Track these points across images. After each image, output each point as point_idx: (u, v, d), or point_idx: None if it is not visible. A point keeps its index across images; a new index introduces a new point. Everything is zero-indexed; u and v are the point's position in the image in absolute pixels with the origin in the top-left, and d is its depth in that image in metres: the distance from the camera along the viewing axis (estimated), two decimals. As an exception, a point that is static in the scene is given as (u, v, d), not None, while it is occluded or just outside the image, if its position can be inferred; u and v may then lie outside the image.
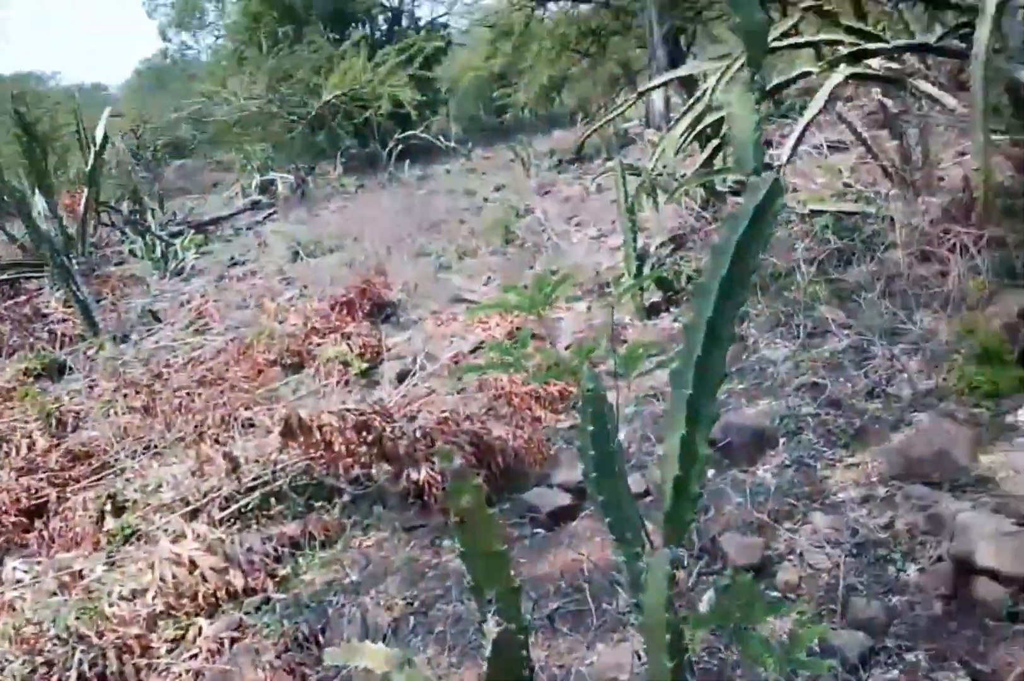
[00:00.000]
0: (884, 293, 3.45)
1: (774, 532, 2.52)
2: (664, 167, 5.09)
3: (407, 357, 5.11)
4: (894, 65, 3.89)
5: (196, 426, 4.41)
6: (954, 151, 5.03)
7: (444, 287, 6.44)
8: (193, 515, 3.49)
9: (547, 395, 4.16)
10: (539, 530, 3.05)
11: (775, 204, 1.30)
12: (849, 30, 3.82)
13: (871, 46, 3.64)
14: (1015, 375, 2.95)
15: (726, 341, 1.44)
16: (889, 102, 4.23)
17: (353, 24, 17.45)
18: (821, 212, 4.18)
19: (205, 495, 3.59)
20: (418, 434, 3.53)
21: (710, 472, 2.97)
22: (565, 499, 3.12)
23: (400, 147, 13.59)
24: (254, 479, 3.69)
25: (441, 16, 19.13)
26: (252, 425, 4.42)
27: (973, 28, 2.93)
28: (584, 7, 12.45)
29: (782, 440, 3.04)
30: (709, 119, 4.31)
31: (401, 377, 4.82)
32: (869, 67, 3.92)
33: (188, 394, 4.80)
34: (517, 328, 4.65)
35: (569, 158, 11.38)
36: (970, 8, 3.21)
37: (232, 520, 3.48)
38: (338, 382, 4.93)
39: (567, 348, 4.27)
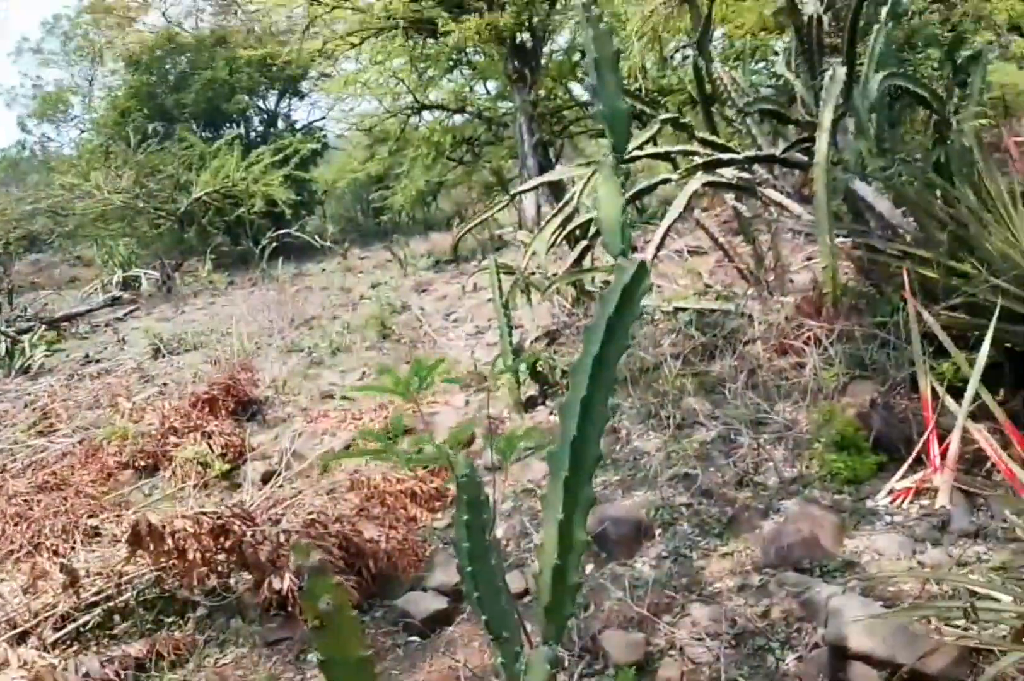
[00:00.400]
0: (747, 385, 3.60)
1: (654, 627, 2.46)
2: (537, 267, 5.24)
3: (273, 456, 4.87)
4: (745, 175, 4.22)
5: (32, 537, 3.97)
6: (802, 256, 5.45)
7: (315, 383, 6.26)
8: (21, 638, 3.08)
9: (423, 493, 4.01)
10: (413, 637, 2.86)
11: (642, 284, 1.32)
12: (703, 142, 4.14)
13: (724, 156, 3.94)
14: (871, 461, 3.09)
15: (600, 420, 1.42)
16: (743, 207, 4.56)
17: (227, 124, 17.54)
18: (684, 309, 4.37)
19: (36, 615, 3.19)
20: (282, 538, 3.30)
21: (589, 567, 2.91)
22: (441, 603, 2.97)
23: (274, 245, 13.48)
24: (96, 594, 3.32)
25: (318, 120, 19.51)
26: (97, 534, 4.03)
27: (813, 141, 3.23)
28: (458, 117, 13.08)
29: (658, 531, 3.03)
30: (577, 221, 4.50)
31: (266, 478, 4.56)
32: (722, 176, 4.24)
33: (25, 502, 4.35)
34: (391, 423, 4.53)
35: (446, 259, 11.59)
36: (809, 124, 3.55)
37: (68, 642, 3.10)
38: (196, 485, 4.60)
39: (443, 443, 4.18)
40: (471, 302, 7.94)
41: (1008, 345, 3.11)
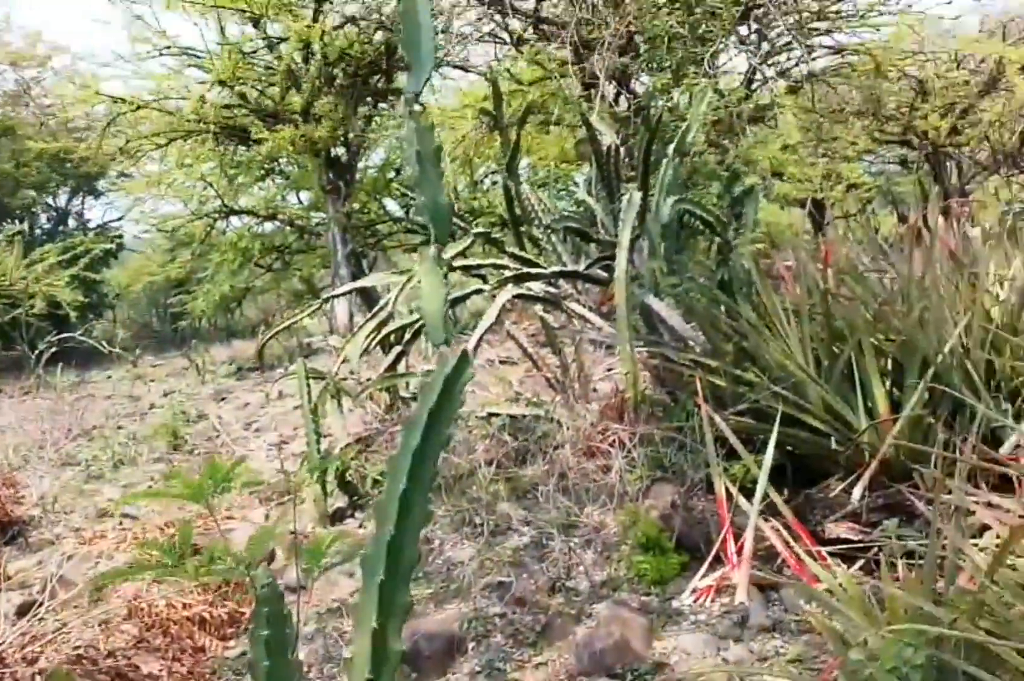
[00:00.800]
0: (558, 488, 3.64)
1: (470, 750, 2.30)
2: (349, 372, 5.15)
3: (35, 585, 4.25)
4: (551, 289, 4.46)
5: None
6: (603, 367, 5.74)
7: (92, 500, 5.63)
8: None
9: (213, 619, 3.62)
10: None
11: (464, 374, 1.31)
12: (513, 256, 4.35)
13: (532, 271, 4.15)
14: (675, 562, 3.18)
15: (419, 518, 1.36)
16: (551, 318, 4.78)
17: (9, 219, 16.29)
18: (497, 415, 4.43)
19: None
20: (39, 679, 2.83)
21: (399, 689, 2.71)
22: (229, 743, 2.63)
23: (54, 350, 12.36)
24: None
25: (115, 220, 18.53)
26: None
27: (613, 259, 3.49)
28: (269, 225, 12.95)
29: (472, 644, 2.90)
30: (392, 326, 4.51)
31: (23, 610, 3.94)
32: (531, 290, 4.45)
33: None
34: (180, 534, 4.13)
35: (249, 366, 11.15)
36: (609, 243, 3.84)
37: None
38: (-69, 625, 3.89)
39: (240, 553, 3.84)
40: (276, 410, 7.60)
41: (789, 448, 3.39)
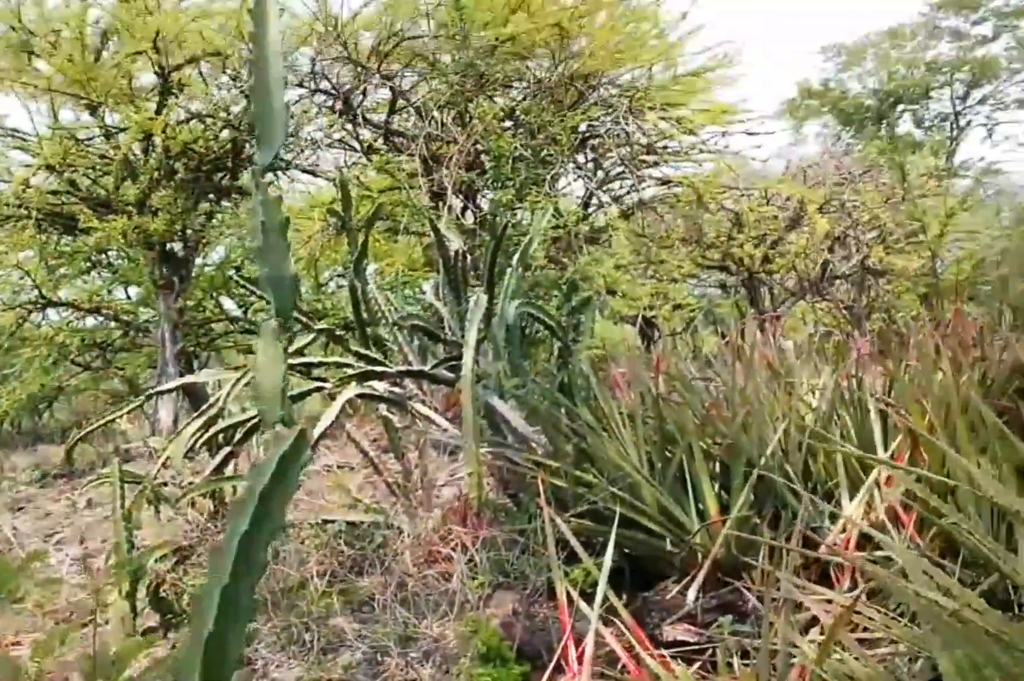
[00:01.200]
0: (397, 598, 3.45)
1: None
2: (171, 476, 4.78)
3: None
4: (397, 389, 4.40)
5: None
6: (446, 472, 5.66)
7: None
8: None
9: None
10: None
11: (302, 455, 1.24)
12: (358, 355, 4.29)
13: (377, 369, 4.10)
14: (516, 672, 3.04)
15: (245, 613, 1.23)
16: (395, 418, 4.69)
17: None
18: (333, 521, 4.21)
19: None
20: None
21: None
22: None
23: None
24: None
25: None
26: None
27: (459, 359, 3.51)
28: (91, 319, 12.13)
29: (294, 778, 2.61)
30: (222, 424, 4.26)
31: None
32: (374, 389, 4.37)
33: None
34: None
35: (56, 473, 10.12)
36: (455, 344, 3.88)
37: None
38: None
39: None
40: (84, 520, 6.88)
41: (627, 550, 3.42)
